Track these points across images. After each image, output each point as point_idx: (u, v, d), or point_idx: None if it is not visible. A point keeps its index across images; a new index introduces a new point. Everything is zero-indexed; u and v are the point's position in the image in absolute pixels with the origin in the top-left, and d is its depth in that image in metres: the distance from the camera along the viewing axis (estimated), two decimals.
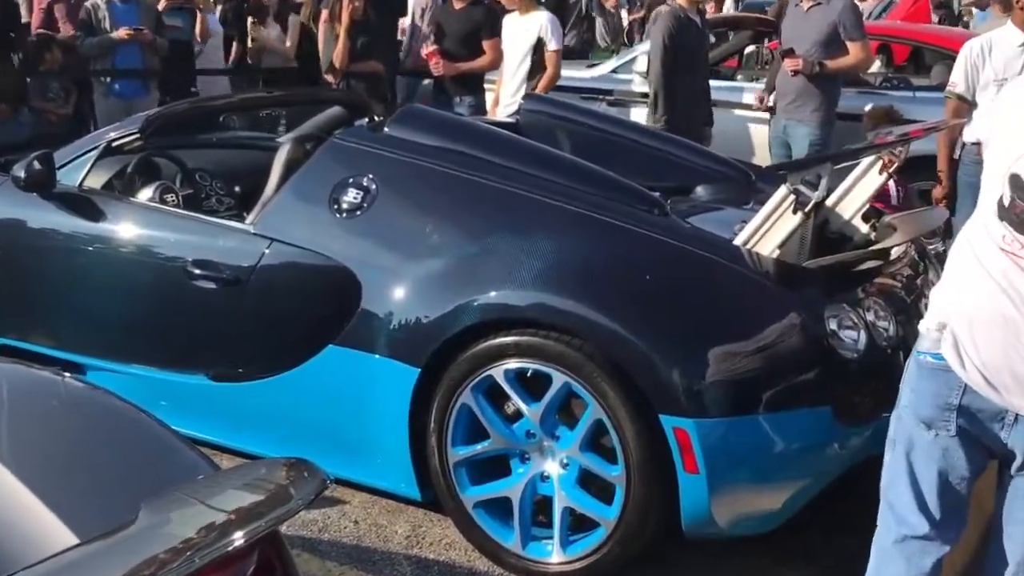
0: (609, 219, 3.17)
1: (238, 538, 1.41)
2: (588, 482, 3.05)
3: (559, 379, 2.96)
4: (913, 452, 2.21)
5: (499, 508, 3.14)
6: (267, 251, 3.43)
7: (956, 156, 5.26)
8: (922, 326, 2.19)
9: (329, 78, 6.82)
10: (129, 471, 1.77)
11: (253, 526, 1.45)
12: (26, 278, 3.95)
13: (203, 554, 1.37)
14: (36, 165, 3.76)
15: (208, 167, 4.50)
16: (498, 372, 3.02)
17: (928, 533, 2.22)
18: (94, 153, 3.95)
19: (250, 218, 3.60)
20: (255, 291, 3.43)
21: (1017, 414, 2.06)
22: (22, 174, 3.75)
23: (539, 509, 3.15)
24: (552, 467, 3.08)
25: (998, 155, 2.09)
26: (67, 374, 2.14)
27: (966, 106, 5.17)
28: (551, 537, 3.07)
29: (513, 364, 3.01)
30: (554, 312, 2.96)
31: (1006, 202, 2.03)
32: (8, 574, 1.30)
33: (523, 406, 3.04)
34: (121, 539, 1.42)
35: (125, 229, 3.77)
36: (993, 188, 2.08)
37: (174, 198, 4.06)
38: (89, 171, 3.91)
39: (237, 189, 4.51)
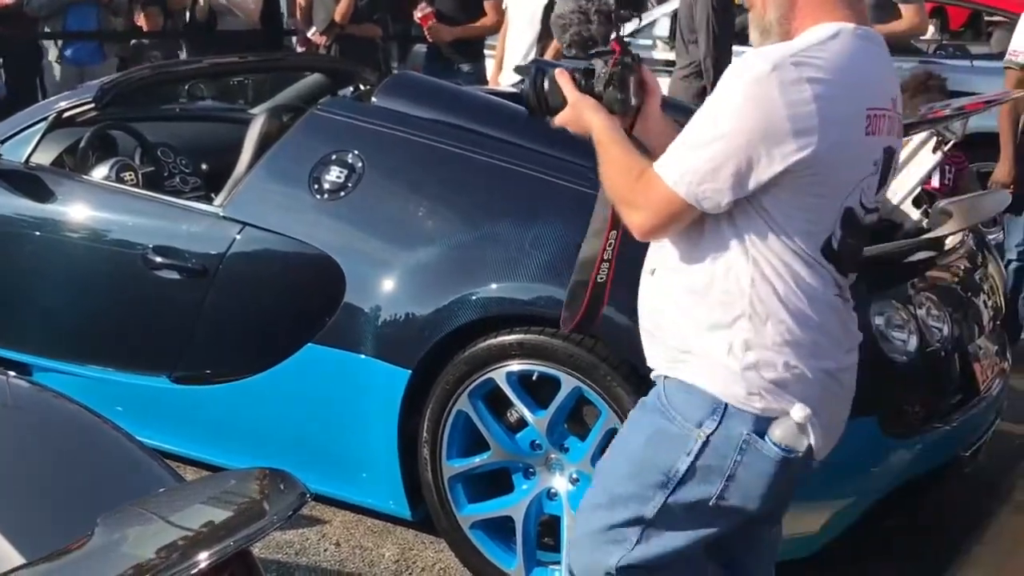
0: None
1: (203, 559, 1.41)
2: None
3: (569, 383, 2.97)
4: None
5: (500, 529, 3.15)
6: (238, 237, 3.44)
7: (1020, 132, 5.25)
8: None
9: (316, 38, 6.78)
10: (83, 483, 1.76)
11: (220, 546, 1.45)
12: None
13: (170, 573, 1.37)
14: None
15: (172, 141, 4.50)
16: (499, 375, 3.02)
17: None
18: (42, 125, 3.96)
19: (219, 199, 3.61)
20: (224, 282, 3.44)
21: None
22: None
23: (545, 530, 3.16)
24: (560, 483, 3.09)
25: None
26: (11, 374, 2.14)
27: None
28: (558, 563, 3.08)
29: (516, 366, 3.01)
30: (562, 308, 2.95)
31: (835, 243, 1.98)
32: None
33: (527, 413, 3.05)
34: (73, 559, 1.42)
35: (77, 211, 3.78)
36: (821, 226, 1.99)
37: (133, 176, 4.05)
38: (37, 145, 3.92)
39: (204, 167, 4.51)
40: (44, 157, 3.99)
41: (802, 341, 1.97)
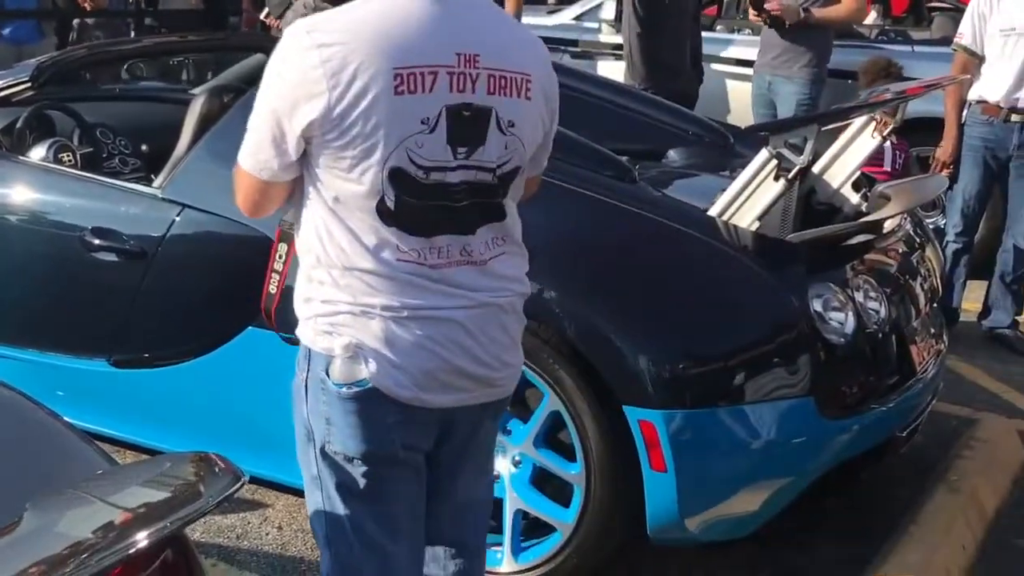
0: (570, 185, 3.16)
1: (140, 539, 1.40)
2: (543, 482, 3.07)
3: None
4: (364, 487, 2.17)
5: None
6: (178, 219, 3.40)
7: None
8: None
9: (271, 21, 6.70)
10: (13, 467, 1.74)
11: (156, 527, 1.44)
12: None
13: (99, 557, 1.36)
14: None
15: (111, 122, 4.44)
16: None
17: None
18: None
19: (158, 181, 3.57)
20: (163, 264, 3.40)
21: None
22: None
23: None
24: (502, 465, 3.10)
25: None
26: None
27: (975, 60, 5.25)
28: (501, 544, 3.09)
29: None
30: None
31: (389, 203, 2.02)
32: None
33: None
34: (5, 542, 1.41)
35: (14, 192, 3.72)
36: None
37: (71, 157, 4.00)
38: None
39: (144, 148, 4.46)
40: None
41: (352, 293, 2.06)
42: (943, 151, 5.38)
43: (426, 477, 2.24)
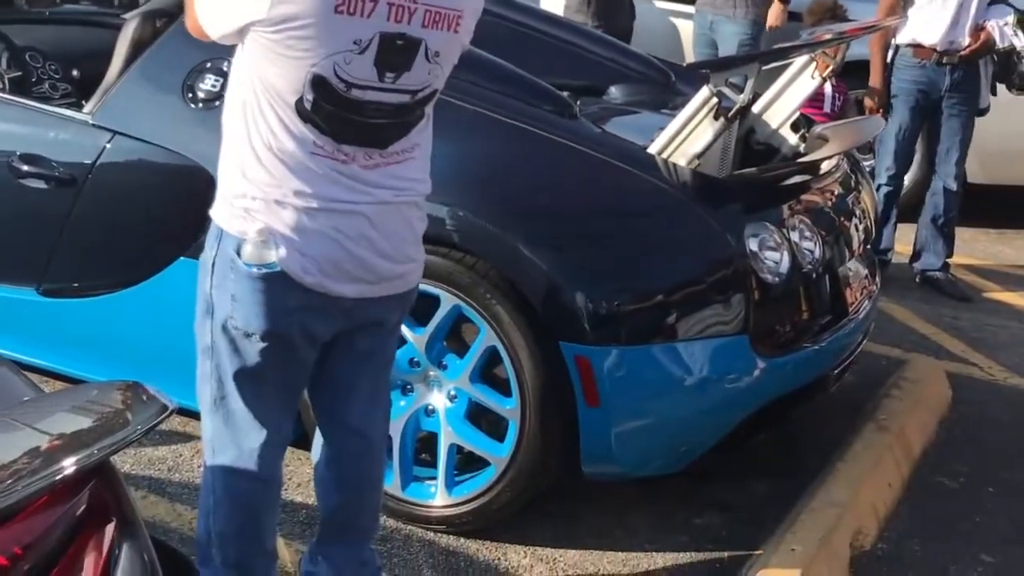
0: (509, 120, 3.14)
1: (67, 464, 1.37)
2: (478, 417, 3.07)
3: (448, 301, 2.96)
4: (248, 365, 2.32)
5: None
6: (108, 146, 3.32)
7: (889, 60, 5.37)
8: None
9: None
10: None
11: (84, 453, 1.41)
12: None
13: (25, 483, 1.33)
14: None
15: (40, 46, 4.31)
16: None
17: None
18: None
19: (89, 107, 3.47)
20: (93, 192, 3.32)
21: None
22: None
23: (422, 447, 3.17)
24: (438, 400, 3.09)
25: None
26: None
27: (901, 2, 5.26)
28: (434, 478, 3.09)
29: None
30: (442, 225, 2.93)
31: (307, 104, 2.15)
32: None
33: (407, 331, 3.02)
34: None
35: None
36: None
37: None
38: None
39: (75, 73, 4.34)
40: None
41: (267, 179, 2.18)
42: (871, 96, 5.40)
43: (335, 370, 2.43)
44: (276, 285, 2.22)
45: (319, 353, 2.38)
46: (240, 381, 2.33)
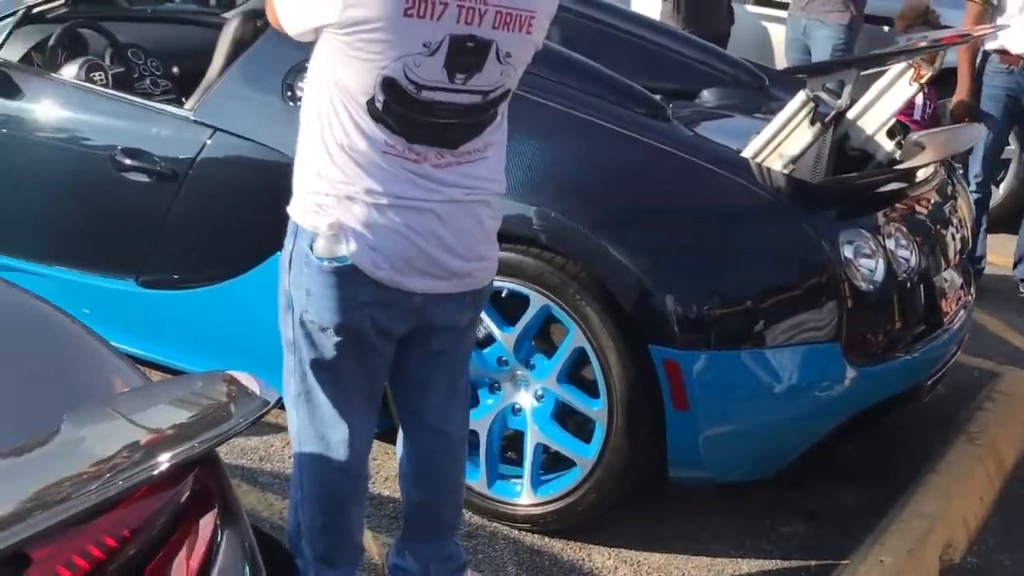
0: (602, 122, 3.14)
1: (164, 460, 1.39)
2: (565, 417, 3.08)
3: (537, 301, 2.97)
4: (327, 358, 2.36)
5: None
6: (208, 142, 3.39)
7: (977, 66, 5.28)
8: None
9: None
10: (48, 379, 1.75)
11: (183, 447, 1.44)
12: None
13: (127, 475, 1.36)
14: None
15: (142, 43, 4.42)
16: None
17: None
18: (11, 20, 3.88)
19: (190, 103, 3.55)
20: (193, 187, 3.39)
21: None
22: None
23: (508, 445, 3.18)
24: (525, 399, 3.11)
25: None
26: None
27: (988, 12, 5.18)
28: (520, 477, 3.11)
29: None
30: (534, 225, 2.95)
31: (378, 105, 2.17)
32: None
33: (495, 330, 3.05)
34: (36, 455, 1.41)
35: (46, 110, 3.71)
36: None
37: (103, 77, 3.98)
38: (5, 41, 3.83)
39: (175, 70, 4.44)
40: (12, 53, 3.91)
41: (340, 177, 2.22)
42: (959, 104, 5.32)
43: (411, 368, 2.46)
44: (347, 279, 2.25)
45: (395, 350, 2.41)
46: (320, 375, 2.37)
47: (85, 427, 1.48)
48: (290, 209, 2.34)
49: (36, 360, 1.80)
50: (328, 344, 2.33)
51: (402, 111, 2.15)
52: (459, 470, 2.65)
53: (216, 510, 1.64)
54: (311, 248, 2.26)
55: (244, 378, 1.67)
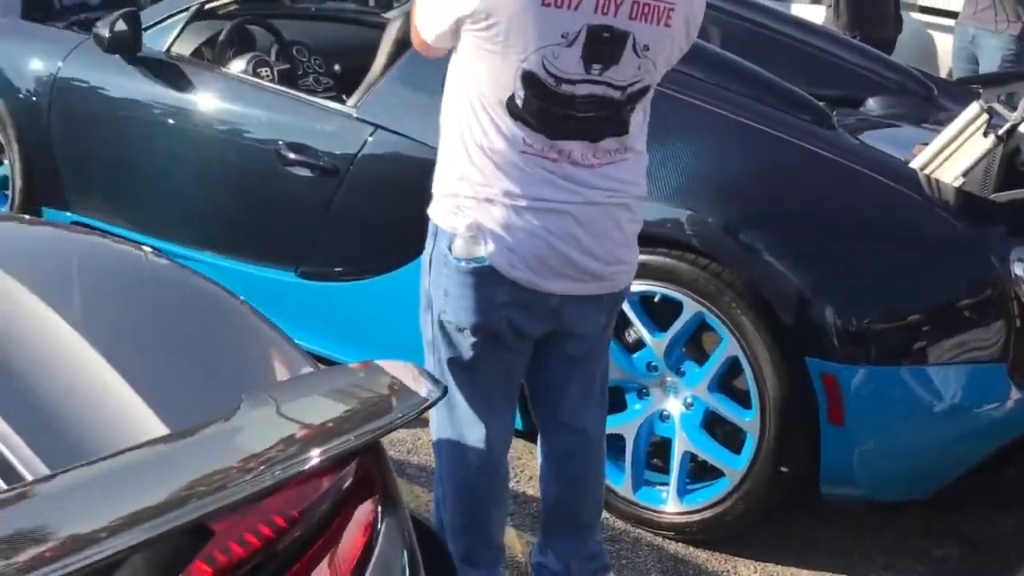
0: (765, 128, 3.10)
1: (316, 455, 1.39)
2: (714, 426, 3.04)
3: (691, 308, 2.94)
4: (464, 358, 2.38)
5: (609, 446, 3.14)
6: (370, 139, 3.45)
7: None
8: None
9: None
10: (225, 361, 1.81)
11: (337, 441, 1.42)
12: (102, 149, 4.05)
13: (276, 470, 1.35)
14: (121, 25, 3.83)
15: (306, 41, 4.52)
16: None
17: None
18: (184, 16, 4.00)
19: (352, 101, 3.62)
20: (354, 182, 3.46)
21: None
22: (106, 33, 3.82)
23: (654, 451, 3.16)
24: (674, 406, 3.08)
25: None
26: (148, 249, 2.18)
27: None
28: (666, 484, 3.08)
29: (638, 287, 2.98)
30: (692, 231, 2.92)
31: (518, 101, 2.17)
32: (88, 461, 1.34)
33: (646, 335, 3.04)
34: (213, 433, 1.46)
35: (214, 103, 3.83)
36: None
37: (269, 73, 4.09)
38: (178, 36, 3.97)
39: (337, 68, 4.53)
40: (184, 47, 4.05)
41: (479, 178, 2.23)
42: None
43: (547, 370, 2.48)
44: (485, 279, 2.27)
45: (532, 351, 2.42)
46: (458, 375, 2.40)
47: (262, 408, 1.52)
48: (430, 211, 2.37)
49: (210, 342, 1.86)
50: (465, 344, 2.36)
51: (542, 106, 2.17)
52: (597, 470, 2.65)
53: (377, 497, 1.67)
54: (449, 249, 2.29)
55: (412, 371, 1.68)
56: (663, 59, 2.25)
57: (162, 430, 1.48)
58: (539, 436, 2.65)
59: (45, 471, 1.37)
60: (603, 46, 2.15)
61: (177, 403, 1.62)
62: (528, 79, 2.15)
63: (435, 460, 2.57)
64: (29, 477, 1.37)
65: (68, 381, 1.56)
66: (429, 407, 1.63)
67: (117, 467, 1.30)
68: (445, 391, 1.66)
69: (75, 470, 1.28)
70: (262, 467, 1.38)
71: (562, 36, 2.11)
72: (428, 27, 2.27)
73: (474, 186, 2.24)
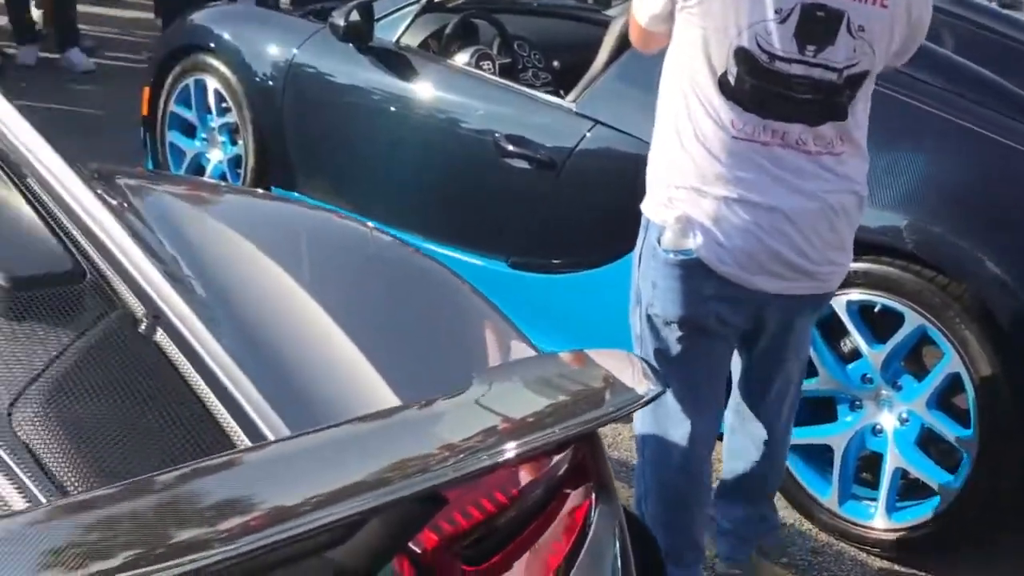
0: (1000, 137, 2.98)
1: (511, 448, 1.33)
2: (928, 443, 2.95)
3: (913, 320, 2.86)
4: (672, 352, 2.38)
5: (817, 457, 3.09)
6: (588, 134, 3.48)
7: None
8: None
9: None
10: (453, 339, 1.86)
11: (539, 434, 1.37)
12: (330, 133, 4.21)
13: (471, 461, 1.32)
14: (355, 15, 3.98)
15: (527, 36, 4.58)
16: (839, 302, 2.93)
17: None
18: (414, 8, 4.12)
19: (572, 95, 3.65)
20: (571, 176, 3.49)
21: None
22: (341, 23, 3.98)
23: (863, 465, 3.09)
24: (888, 420, 3.00)
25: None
26: (371, 225, 2.25)
27: None
28: (874, 499, 3.01)
29: (858, 295, 2.93)
30: (918, 240, 2.84)
31: (731, 79, 2.16)
32: (326, 425, 1.39)
33: (863, 346, 2.96)
34: (450, 409, 1.48)
35: (438, 93, 3.93)
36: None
37: (490, 66, 4.17)
38: (407, 27, 4.09)
39: (556, 64, 4.57)
40: (412, 39, 4.16)
41: (691, 167, 2.24)
42: None
43: (744, 363, 2.49)
44: (693, 272, 2.27)
45: (737, 344, 2.42)
46: (665, 370, 2.38)
47: (490, 384, 1.54)
48: (643, 205, 2.39)
49: (440, 319, 1.92)
50: (672, 338, 2.36)
51: (755, 83, 2.16)
52: (783, 455, 2.67)
53: (591, 484, 1.69)
54: (659, 241, 2.31)
55: (635, 362, 1.67)
56: (880, 43, 2.20)
57: (393, 400, 1.53)
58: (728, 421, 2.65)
59: None
60: (817, 24, 2.13)
61: (412, 381, 1.66)
62: (741, 55, 2.15)
63: (637, 455, 2.57)
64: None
65: (315, 352, 1.62)
66: (641, 406, 1.59)
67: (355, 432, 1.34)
68: (665, 388, 1.66)
69: (298, 438, 1.29)
70: (462, 457, 1.32)
71: (776, 12, 2.12)
72: (643, 10, 2.31)
73: (686, 175, 2.25)
